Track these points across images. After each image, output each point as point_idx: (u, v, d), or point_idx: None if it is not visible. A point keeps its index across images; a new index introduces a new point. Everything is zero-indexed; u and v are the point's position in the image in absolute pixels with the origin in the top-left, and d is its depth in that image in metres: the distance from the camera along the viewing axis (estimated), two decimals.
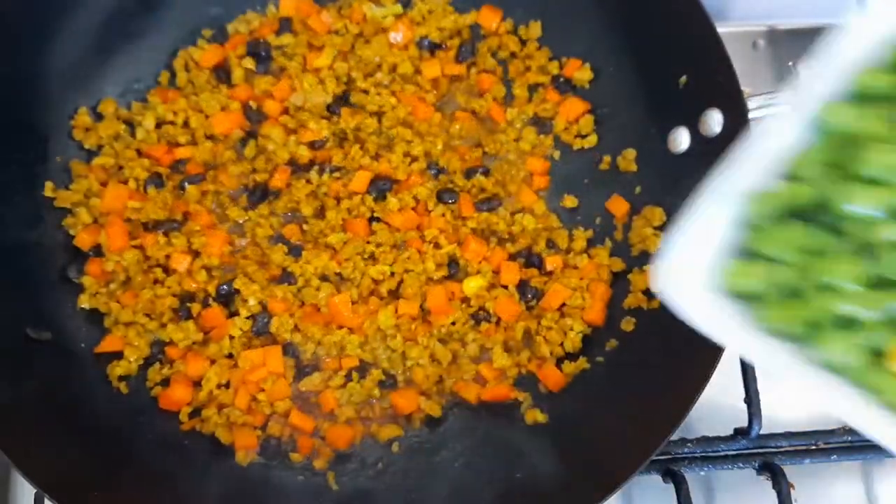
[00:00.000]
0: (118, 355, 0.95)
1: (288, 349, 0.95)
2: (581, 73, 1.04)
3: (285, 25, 1.07)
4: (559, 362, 0.95)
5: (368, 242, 0.98)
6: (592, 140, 1.03)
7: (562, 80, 1.05)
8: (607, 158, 1.02)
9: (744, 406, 0.92)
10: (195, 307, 0.96)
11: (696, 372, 0.79)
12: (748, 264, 0.47)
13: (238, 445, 0.92)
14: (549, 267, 0.98)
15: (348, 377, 0.95)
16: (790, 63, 0.84)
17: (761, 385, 0.92)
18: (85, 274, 0.97)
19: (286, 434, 0.93)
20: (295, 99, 1.03)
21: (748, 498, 0.96)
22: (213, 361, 0.95)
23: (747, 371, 0.92)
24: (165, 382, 0.95)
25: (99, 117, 1.03)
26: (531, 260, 0.99)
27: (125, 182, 1.00)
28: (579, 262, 0.98)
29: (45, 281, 0.95)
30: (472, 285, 0.97)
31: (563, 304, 0.97)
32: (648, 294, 0.94)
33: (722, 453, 0.94)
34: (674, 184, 0.96)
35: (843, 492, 1.00)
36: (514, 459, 0.90)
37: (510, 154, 1.04)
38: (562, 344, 0.96)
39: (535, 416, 0.92)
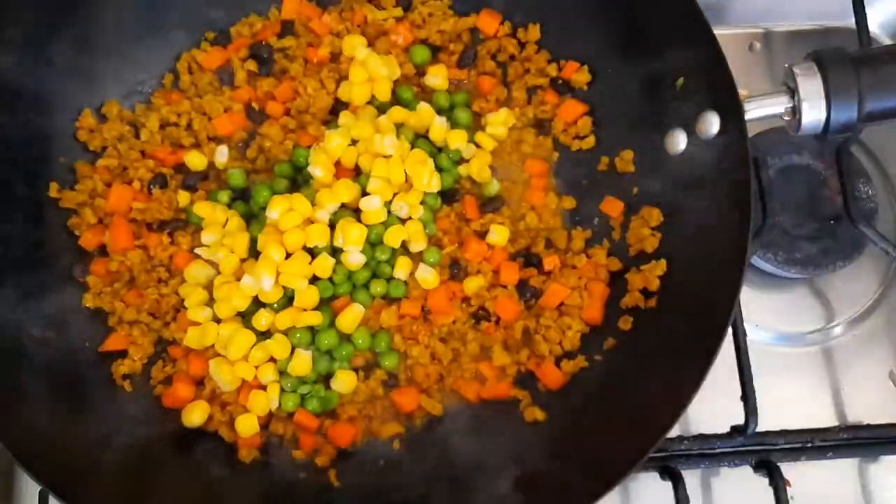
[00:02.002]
0: (122, 354, 0.96)
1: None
2: (579, 75, 1.04)
3: (287, 28, 1.08)
4: (558, 361, 0.96)
5: None
6: (590, 141, 1.04)
7: (560, 82, 1.06)
8: (605, 159, 1.03)
9: (740, 403, 0.92)
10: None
11: (692, 370, 0.79)
12: None
13: (241, 443, 0.93)
14: (546, 267, 0.99)
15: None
16: (786, 65, 0.85)
17: (758, 383, 0.93)
18: (89, 273, 0.98)
19: (289, 432, 0.94)
20: (299, 103, 1.04)
21: (745, 495, 0.97)
22: None
23: (744, 369, 0.93)
24: (169, 381, 0.95)
25: (103, 119, 1.04)
26: (530, 260, 1.00)
27: (129, 183, 1.01)
28: (577, 261, 0.99)
29: (49, 280, 0.96)
30: (472, 285, 0.98)
31: (562, 304, 0.98)
32: (646, 293, 0.95)
33: (719, 451, 0.95)
34: (671, 185, 0.97)
35: (839, 489, 1.00)
36: (514, 457, 0.91)
37: (511, 155, 1.05)
38: (560, 343, 0.96)
39: (535, 414, 0.93)
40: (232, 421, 0.93)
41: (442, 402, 0.96)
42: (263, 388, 0.94)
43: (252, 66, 1.06)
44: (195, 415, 0.93)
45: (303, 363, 0.93)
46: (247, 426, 0.92)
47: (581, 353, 0.96)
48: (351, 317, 0.95)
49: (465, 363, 0.96)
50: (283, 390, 0.94)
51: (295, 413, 0.94)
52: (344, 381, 0.94)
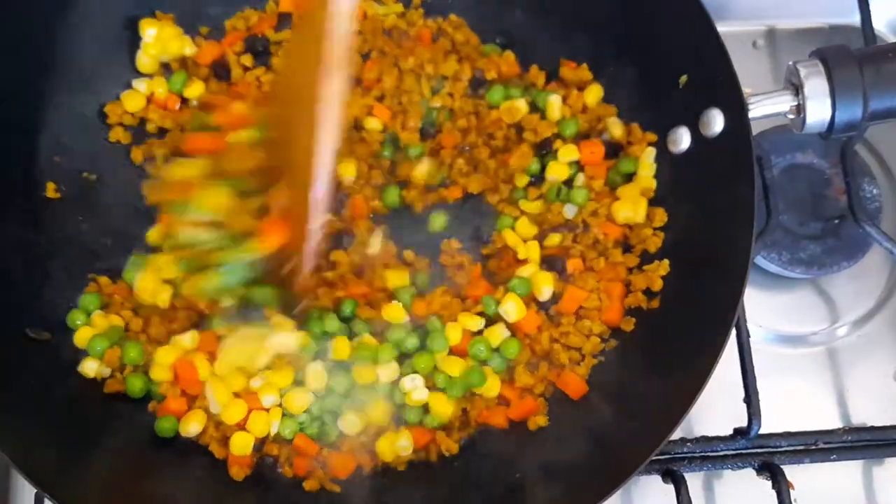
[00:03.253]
0: None
1: None
2: (578, 73, 1.03)
3: (284, 21, 1.06)
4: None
5: None
6: (612, 110, 1.02)
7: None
8: None
9: (743, 406, 0.92)
10: None
11: (695, 371, 0.79)
12: None
13: (231, 460, 0.90)
14: (569, 270, 0.97)
15: None
16: (790, 63, 0.84)
17: (761, 384, 0.92)
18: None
19: (283, 454, 0.91)
20: None
21: (748, 498, 0.96)
22: None
23: (747, 371, 0.92)
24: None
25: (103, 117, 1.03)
26: (553, 264, 0.98)
27: None
28: (596, 264, 0.97)
29: (45, 281, 0.95)
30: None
31: (580, 308, 0.96)
32: (648, 294, 0.94)
33: (721, 453, 0.94)
34: (674, 183, 0.96)
35: (843, 492, 1.00)
36: (514, 459, 0.90)
37: None
38: (580, 349, 0.94)
39: (537, 420, 0.92)
40: (224, 438, 0.90)
41: (465, 435, 0.93)
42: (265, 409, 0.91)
43: (248, 61, 1.05)
44: (192, 424, 0.90)
45: (301, 400, 0.90)
46: (241, 445, 0.89)
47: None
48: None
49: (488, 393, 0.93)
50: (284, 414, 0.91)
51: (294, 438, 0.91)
52: (352, 424, 0.91)
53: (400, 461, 0.91)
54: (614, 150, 1.00)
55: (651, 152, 0.98)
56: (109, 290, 0.96)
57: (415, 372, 0.92)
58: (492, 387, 0.92)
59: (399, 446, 0.90)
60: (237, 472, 0.89)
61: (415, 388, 0.91)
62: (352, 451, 0.91)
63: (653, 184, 0.98)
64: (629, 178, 0.99)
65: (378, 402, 0.91)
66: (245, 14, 1.07)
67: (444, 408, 0.91)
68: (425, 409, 0.92)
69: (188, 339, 0.92)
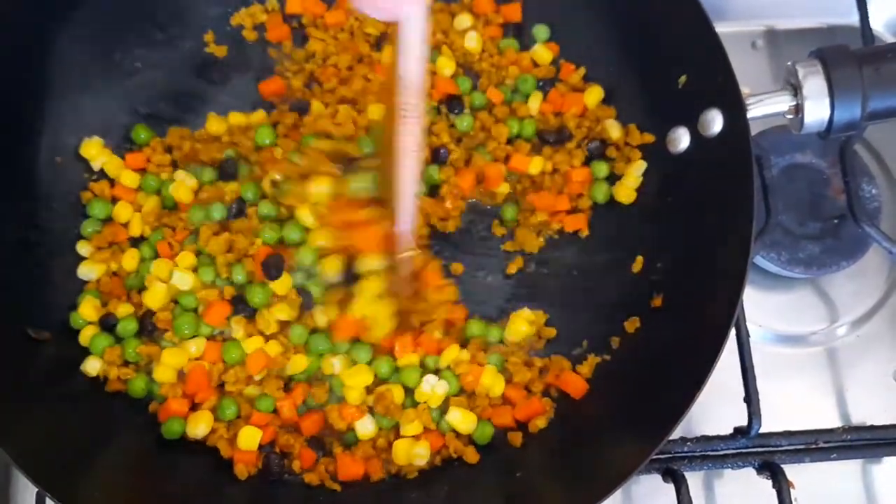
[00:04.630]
0: None
1: None
2: (578, 74, 1.04)
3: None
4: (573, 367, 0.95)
5: None
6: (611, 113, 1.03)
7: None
8: None
9: (743, 405, 0.92)
10: None
11: (695, 371, 0.79)
12: None
13: (237, 458, 0.90)
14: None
15: None
16: (789, 63, 0.84)
17: (761, 384, 0.92)
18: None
19: (297, 446, 0.91)
20: None
21: (748, 497, 0.96)
22: None
23: (747, 370, 0.92)
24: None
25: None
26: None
27: None
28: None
29: (45, 281, 0.95)
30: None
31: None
32: (649, 294, 0.94)
33: (721, 452, 0.94)
34: (674, 183, 0.96)
35: (843, 491, 0.99)
36: (515, 459, 0.90)
37: None
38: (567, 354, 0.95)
39: (537, 423, 0.92)
40: (232, 438, 0.91)
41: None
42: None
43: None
44: (199, 426, 0.91)
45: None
46: (249, 441, 0.90)
47: (592, 352, 0.95)
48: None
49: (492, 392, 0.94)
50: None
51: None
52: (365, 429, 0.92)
53: (412, 469, 0.91)
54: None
55: (640, 166, 0.98)
56: (108, 287, 0.96)
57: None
58: (496, 385, 0.93)
59: (415, 453, 0.90)
60: (241, 471, 0.89)
61: (436, 385, 0.92)
62: (365, 456, 0.91)
63: (633, 195, 0.99)
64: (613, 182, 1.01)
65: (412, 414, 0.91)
66: (251, 11, 1.07)
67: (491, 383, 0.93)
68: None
69: (194, 346, 0.93)
